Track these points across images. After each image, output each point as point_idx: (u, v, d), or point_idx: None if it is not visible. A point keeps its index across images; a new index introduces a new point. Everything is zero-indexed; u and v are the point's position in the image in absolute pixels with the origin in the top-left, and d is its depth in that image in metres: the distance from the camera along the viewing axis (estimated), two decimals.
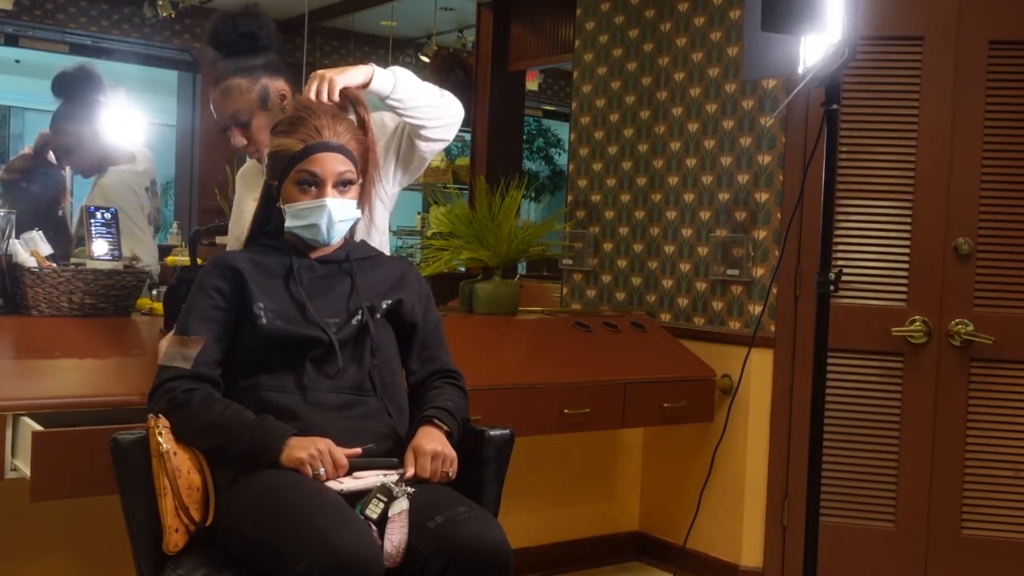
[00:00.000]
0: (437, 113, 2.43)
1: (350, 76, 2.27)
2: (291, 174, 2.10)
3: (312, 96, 2.20)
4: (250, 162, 2.73)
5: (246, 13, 2.56)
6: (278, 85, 2.56)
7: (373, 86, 2.31)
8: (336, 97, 2.22)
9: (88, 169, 3.61)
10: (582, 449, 3.69)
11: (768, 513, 3.46)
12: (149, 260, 3.39)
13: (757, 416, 3.47)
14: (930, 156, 3.29)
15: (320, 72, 2.26)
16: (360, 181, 2.17)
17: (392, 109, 2.38)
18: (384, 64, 2.42)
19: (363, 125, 2.21)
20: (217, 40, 2.56)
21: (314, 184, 2.09)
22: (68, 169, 3.77)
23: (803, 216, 3.33)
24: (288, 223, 2.14)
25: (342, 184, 2.11)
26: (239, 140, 2.52)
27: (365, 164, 2.18)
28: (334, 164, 2.10)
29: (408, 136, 2.48)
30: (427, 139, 2.46)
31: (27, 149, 3.85)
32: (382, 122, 2.51)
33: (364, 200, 2.20)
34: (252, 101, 2.52)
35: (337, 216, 2.11)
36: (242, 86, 2.53)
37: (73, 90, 3.51)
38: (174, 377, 2.00)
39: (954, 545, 3.30)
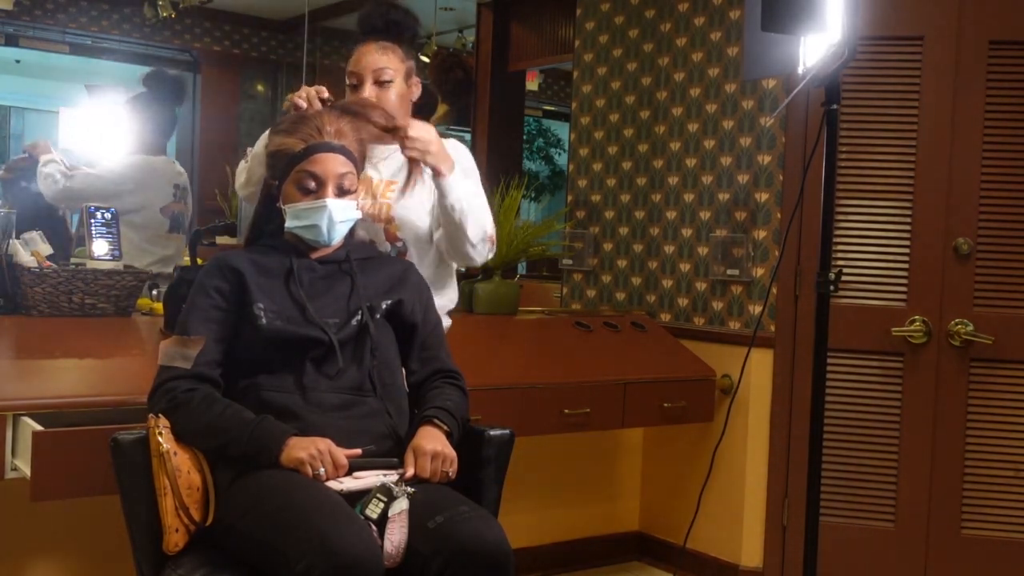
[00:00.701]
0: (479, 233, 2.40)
1: (440, 158, 2.27)
2: (292, 174, 2.10)
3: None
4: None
5: (396, 5, 2.56)
6: (417, 77, 2.55)
7: (446, 179, 2.30)
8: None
9: None
10: (582, 449, 3.69)
11: (768, 513, 3.46)
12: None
13: (757, 416, 3.47)
14: (930, 156, 3.29)
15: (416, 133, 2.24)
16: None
17: (445, 207, 2.34)
18: None
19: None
20: (367, 23, 2.52)
21: (315, 185, 2.09)
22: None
23: (803, 216, 3.33)
24: (288, 223, 2.14)
25: (343, 185, 2.11)
26: (369, 94, 2.42)
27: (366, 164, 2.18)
28: (335, 165, 2.10)
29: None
30: (459, 254, 2.43)
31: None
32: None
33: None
34: (401, 70, 2.47)
35: (338, 217, 2.10)
36: (400, 53, 2.48)
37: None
38: (174, 377, 2.00)
39: (954, 545, 3.30)
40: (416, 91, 2.51)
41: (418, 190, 2.32)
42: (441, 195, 2.31)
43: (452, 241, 2.39)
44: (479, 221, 2.36)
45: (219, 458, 1.98)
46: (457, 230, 2.34)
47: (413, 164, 2.27)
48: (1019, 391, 3.27)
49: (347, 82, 2.47)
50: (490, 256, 2.49)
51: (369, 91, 2.41)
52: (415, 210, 2.43)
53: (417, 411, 2.16)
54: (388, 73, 2.43)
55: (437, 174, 2.28)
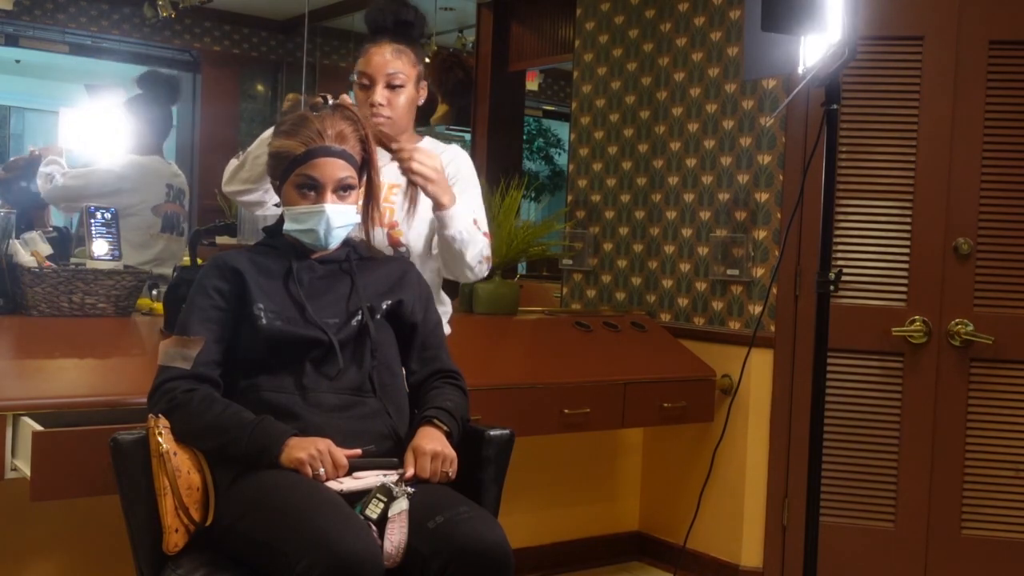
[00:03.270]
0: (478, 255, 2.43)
1: (442, 190, 2.27)
2: (292, 177, 2.10)
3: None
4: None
5: (407, 4, 2.55)
6: (425, 81, 2.54)
7: (447, 211, 2.30)
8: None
9: None
10: (582, 449, 3.69)
11: (768, 513, 3.46)
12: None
13: (757, 416, 3.47)
14: (930, 156, 3.29)
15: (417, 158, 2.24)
16: (360, 187, 2.17)
17: (445, 237, 2.35)
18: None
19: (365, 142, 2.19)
20: (377, 21, 2.51)
21: (314, 189, 2.09)
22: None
23: (803, 216, 3.33)
24: (287, 226, 2.14)
25: (342, 190, 2.11)
26: (380, 97, 2.42)
27: (368, 169, 2.17)
28: (334, 170, 2.09)
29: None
30: (455, 274, 2.46)
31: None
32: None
33: (372, 205, 2.20)
34: (412, 75, 2.47)
35: (335, 222, 2.10)
36: (412, 57, 2.48)
37: None
38: (174, 377, 2.00)
39: (954, 545, 3.30)
40: (423, 95, 2.51)
41: (421, 204, 2.32)
42: (441, 226, 2.32)
43: (449, 265, 2.43)
44: (477, 247, 2.39)
45: (219, 458, 1.97)
46: (456, 258, 2.38)
47: (412, 187, 2.28)
48: (1019, 391, 3.27)
49: (357, 80, 2.46)
50: (486, 273, 2.50)
51: (380, 93, 2.41)
52: (417, 227, 2.44)
53: (417, 411, 2.16)
54: (400, 77, 2.44)
55: (438, 206, 2.29)
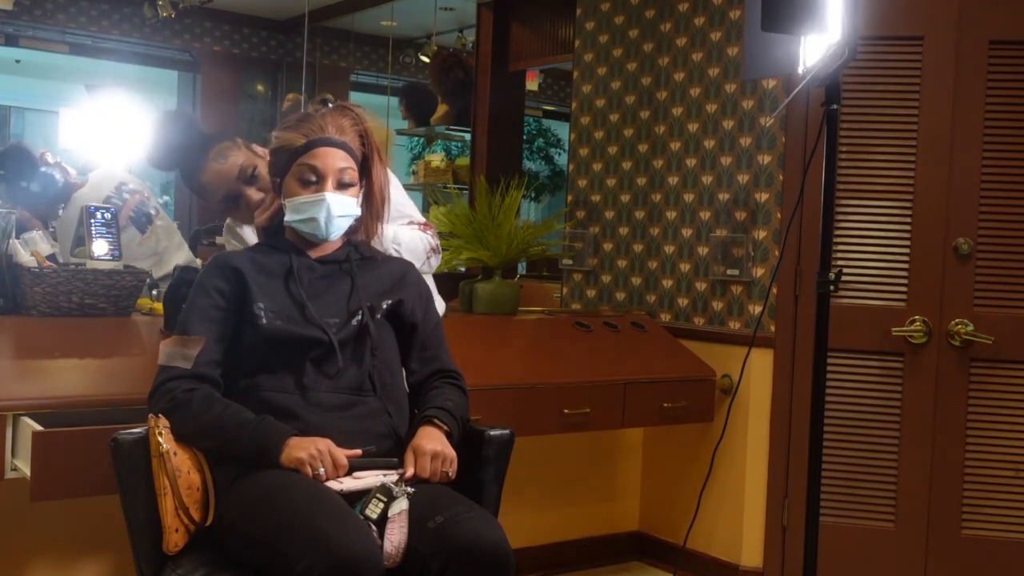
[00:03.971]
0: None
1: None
2: (293, 168, 2.11)
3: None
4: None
5: (174, 117, 2.69)
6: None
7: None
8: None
9: None
10: (582, 449, 3.69)
11: (768, 513, 3.46)
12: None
13: (757, 416, 3.47)
14: (930, 156, 3.29)
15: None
16: (362, 185, 2.17)
17: None
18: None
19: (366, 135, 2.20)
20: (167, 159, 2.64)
21: (315, 178, 2.10)
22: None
23: (803, 216, 3.33)
24: (287, 217, 2.14)
25: (343, 180, 2.11)
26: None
27: (368, 164, 2.17)
28: (335, 160, 2.10)
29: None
30: None
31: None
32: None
33: (372, 205, 2.20)
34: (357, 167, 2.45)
35: (336, 211, 2.11)
36: (231, 147, 2.56)
37: None
38: (174, 377, 2.00)
39: (954, 545, 3.30)
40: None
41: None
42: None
43: None
44: (418, 251, 2.49)
45: (219, 458, 1.98)
46: None
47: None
48: (1019, 391, 3.27)
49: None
50: (439, 262, 2.61)
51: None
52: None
53: (417, 411, 2.16)
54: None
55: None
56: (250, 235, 2.57)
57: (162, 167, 2.77)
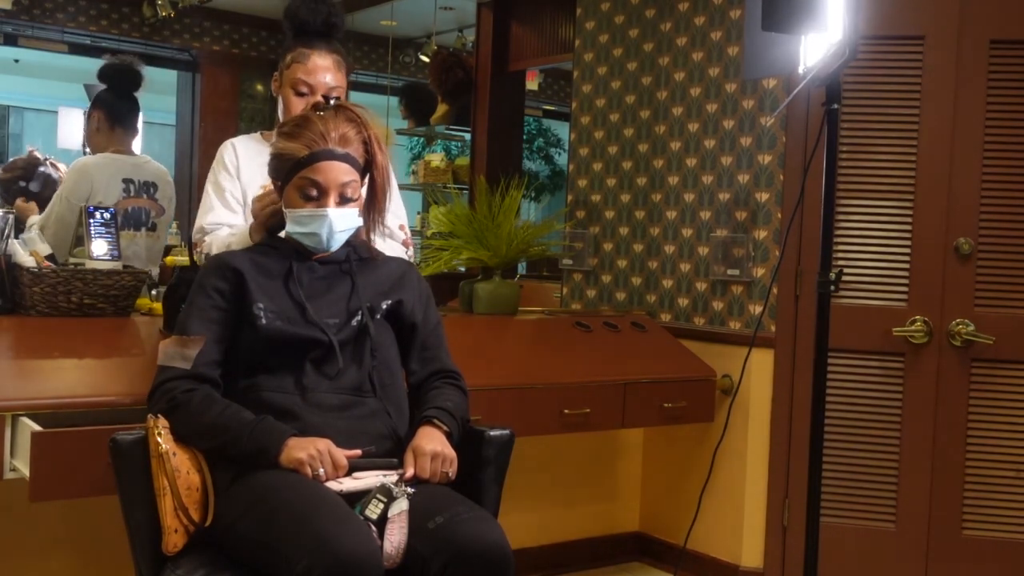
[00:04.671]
0: None
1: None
2: (294, 179, 2.09)
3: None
4: (251, 140, 2.69)
5: (330, 3, 2.61)
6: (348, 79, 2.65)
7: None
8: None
9: None
10: (582, 449, 3.68)
11: (768, 513, 3.46)
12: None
13: (757, 416, 3.47)
14: (930, 156, 3.29)
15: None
16: (363, 191, 2.16)
17: None
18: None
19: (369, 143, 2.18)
20: (305, 24, 2.59)
21: (316, 193, 2.08)
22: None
23: (803, 216, 3.33)
24: (289, 228, 2.14)
25: (345, 193, 2.10)
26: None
27: (372, 166, 2.16)
28: (338, 174, 2.09)
29: None
30: None
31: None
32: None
33: (375, 202, 2.19)
34: (345, 85, 2.58)
35: (338, 226, 2.10)
36: (344, 67, 2.59)
37: None
38: (174, 377, 2.00)
39: (954, 545, 3.29)
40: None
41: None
42: None
43: None
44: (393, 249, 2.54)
45: (218, 458, 1.97)
46: None
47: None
48: (1020, 391, 3.27)
49: (293, 88, 2.53)
50: (412, 252, 2.69)
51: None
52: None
53: (417, 411, 2.16)
54: (339, 91, 2.54)
55: None
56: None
57: None
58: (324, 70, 2.54)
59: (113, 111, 3.72)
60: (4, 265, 2.64)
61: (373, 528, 1.84)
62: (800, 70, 2.49)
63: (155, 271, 3.56)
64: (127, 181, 3.66)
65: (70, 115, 7.62)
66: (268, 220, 2.25)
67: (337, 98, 2.27)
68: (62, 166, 3.74)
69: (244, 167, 2.61)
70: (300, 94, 2.51)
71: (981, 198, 3.26)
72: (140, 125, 3.89)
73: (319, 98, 2.46)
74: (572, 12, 4.31)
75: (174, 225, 7.26)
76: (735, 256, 3.56)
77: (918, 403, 3.30)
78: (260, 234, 2.28)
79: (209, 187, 2.62)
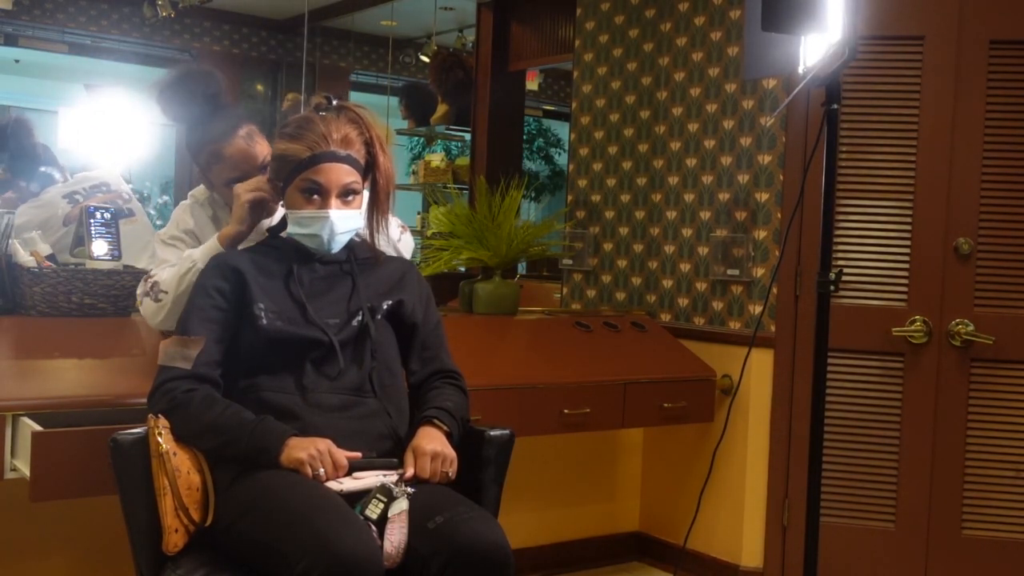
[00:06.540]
0: None
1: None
2: (296, 180, 2.10)
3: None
4: (196, 206, 2.54)
5: (205, 74, 2.52)
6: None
7: None
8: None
9: None
10: (582, 449, 3.68)
11: (768, 513, 3.46)
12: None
13: (757, 416, 3.47)
14: (930, 156, 3.29)
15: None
16: (364, 189, 2.16)
17: None
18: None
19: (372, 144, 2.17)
20: (179, 106, 2.46)
21: (318, 194, 2.09)
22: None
23: (803, 216, 3.33)
24: (290, 229, 2.14)
25: (346, 194, 2.10)
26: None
27: (374, 165, 2.16)
28: (339, 175, 2.09)
29: None
30: None
31: None
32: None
33: (378, 201, 2.19)
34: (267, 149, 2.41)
35: (340, 228, 2.10)
36: (256, 134, 2.45)
37: None
38: (174, 377, 2.00)
39: (954, 545, 3.30)
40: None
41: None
42: None
43: None
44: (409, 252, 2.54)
45: (219, 458, 1.97)
46: None
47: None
48: (1020, 391, 3.27)
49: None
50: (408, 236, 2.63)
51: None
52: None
53: (417, 411, 2.16)
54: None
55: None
56: (209, 220, 2.52)
57: (169, 115, 2.54)
58: (242, 153, 2.41)
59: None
60: (4, 265, 2.64)
61: (373, 528, 1.84)
62: (800, 70, 2.49)
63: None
64: (69, 196, 3.43)
65: (70, 115, 7.62)
66: (251, 211, 2.23)
67: (329, 99, 2.23)
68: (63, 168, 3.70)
69: (201, 235, 2.49)
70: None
71: (981, 198, 3.26)
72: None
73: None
74: (572, 12, 4.31)
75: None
76: (735, 256, 3.56)
77: (918, 403, 3.30)
78: (237, 225, 2.23)
79: (162, 244, 2.50)
